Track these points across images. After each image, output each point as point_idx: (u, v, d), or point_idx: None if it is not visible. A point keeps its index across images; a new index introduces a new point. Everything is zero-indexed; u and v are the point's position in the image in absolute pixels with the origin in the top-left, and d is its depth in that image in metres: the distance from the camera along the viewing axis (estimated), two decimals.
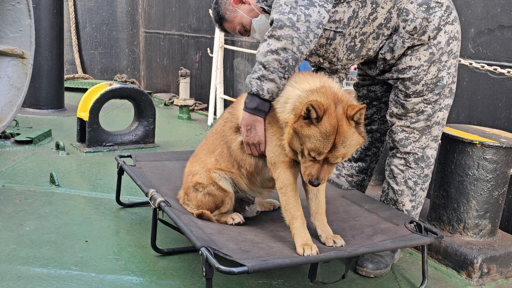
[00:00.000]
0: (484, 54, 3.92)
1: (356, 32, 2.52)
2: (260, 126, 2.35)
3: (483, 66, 3.56)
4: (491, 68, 3.53)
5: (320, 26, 2.27)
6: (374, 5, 2.47)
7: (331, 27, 2.49)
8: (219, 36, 5.87)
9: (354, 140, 2.13)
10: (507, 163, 2.86)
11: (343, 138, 2.09)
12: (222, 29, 2.76)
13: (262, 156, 2.44)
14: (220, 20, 2.71)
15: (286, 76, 2.28)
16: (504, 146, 2.80)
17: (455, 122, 4.10)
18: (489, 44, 3.89)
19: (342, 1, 2.44)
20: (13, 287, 2.32)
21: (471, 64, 3.64)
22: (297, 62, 2.28)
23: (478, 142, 2.82)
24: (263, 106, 2.32)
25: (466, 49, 4.02)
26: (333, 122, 2.08)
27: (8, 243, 2.74)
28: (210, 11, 2.72)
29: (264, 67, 2.26)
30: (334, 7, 2.44)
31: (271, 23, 2.28)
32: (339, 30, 2.50)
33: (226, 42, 6.11)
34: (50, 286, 2.36)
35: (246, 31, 2.69)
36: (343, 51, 2.56)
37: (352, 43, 2.55)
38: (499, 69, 3.50)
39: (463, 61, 3.68)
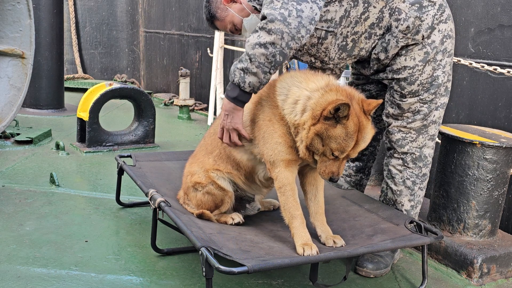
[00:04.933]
0: (484, 54, 3.92)
1: (348, 32, 2.51)
2: (239, 114, 2.38)
3: (483, 66, 3.56)
4: (491, 68, 3.52)
5: (313, 22, 2.25)
6: (366, 5, 2.46)
7: (322, 27, 2.49)
8: (219, 36, 5.87)
9: (371, 133, 2.19)
10: (507, 163, 2.85)
11: (364, 134, 2.14)
12: (214, 27, 2.75)
13: (254, 157, 2.45)
14: (212, 18, 2.70)
15: (271, 71, 2.27)
16: (504, 146, 2.80)
17: (455, 122, 4.10)
18: (489, 43, 3.89)
19: (334, 0, 2.44)
20: (13, 287, 2.32)
21: (471, 64, 3.64)
22: (285, 58, 2.26)
23: (478, 142, 2.82)
24: (243, 97, 2.34)
25: (466, 49, 4.02)
26: (355, 120, 2.11)
27: (8, 243, 2.74)
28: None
29: (250, 60, 2.25)
30: (325, 6, 2.43)
31: (263, 18, 2.26)
32: (330, 29, 2.49)
33: (226, 42, 6.11)
34: (50, 286, 2.36)
35: (237, 30, 2.69)
36: (335, 51, 2.56)
37: (344, 43, 2.54)
38: (499, 69, 3.50)
39: (463, 61, 3.68)
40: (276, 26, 2.20)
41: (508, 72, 3.47)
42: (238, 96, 2.34)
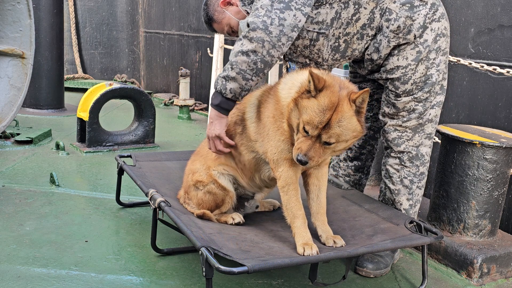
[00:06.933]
0: (484, 54, 3.92)
1: (339, 33, 2.52)
2: (222, 121, 2.46)
3: (482, 66, 3.56)
4: (490, 68, 3.52)
5: (295, 29, 2.33)
6: (356, 6, 2.47)
7: (314, 29, 2.51)
8: (219, 36, 5.86)
9: (351, 124, 2.10)
10: (507, 163, 2.86)
11: (340, 117, 2.08)
12: (211, 29, 2.85)
13: (260, 156, 2.45)
14: (209, 21, 2.79)
15: (254, 78, 2.36)
16: (504, 146, 2.80)
17: (455, 122, 4.10)
18: (489, 43, 3.89)
19: (324, 2, 2.45)
20: (13, 287, 2.32)
21: (471, 64, 3.64)
22: (267, 65, 2.34)
23: (478, 142, 2.82)
24: (225, 104, 2.44)
25: (466, 49, 4.02)
26: (334, 99, 2.08)
27: (8, 243, 2.74)
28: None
29: (232, 67, 2.36)
30: (316, 8, 2.46)
31: (247, 26, 2.35)
32: (322, 31, 2.51)
33: (226, 42, 6.11)
34: (50, 286, 2.36)
35: (233, 32, 2.77)
36: (328, 52, 2.57)
37: (336, 44, 2.55)
38: (499, 69, 3.50)
39: (463, 61, 3.68)
40: (257, 34, 2.29)
41: (508, 72, 3.47)
42: (221, 103, 2.43)
